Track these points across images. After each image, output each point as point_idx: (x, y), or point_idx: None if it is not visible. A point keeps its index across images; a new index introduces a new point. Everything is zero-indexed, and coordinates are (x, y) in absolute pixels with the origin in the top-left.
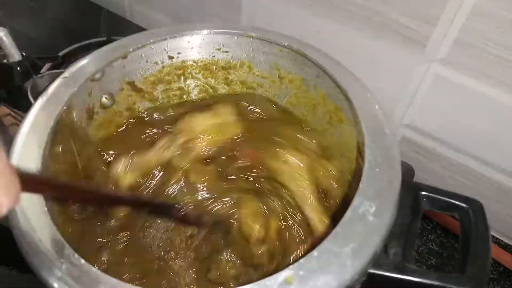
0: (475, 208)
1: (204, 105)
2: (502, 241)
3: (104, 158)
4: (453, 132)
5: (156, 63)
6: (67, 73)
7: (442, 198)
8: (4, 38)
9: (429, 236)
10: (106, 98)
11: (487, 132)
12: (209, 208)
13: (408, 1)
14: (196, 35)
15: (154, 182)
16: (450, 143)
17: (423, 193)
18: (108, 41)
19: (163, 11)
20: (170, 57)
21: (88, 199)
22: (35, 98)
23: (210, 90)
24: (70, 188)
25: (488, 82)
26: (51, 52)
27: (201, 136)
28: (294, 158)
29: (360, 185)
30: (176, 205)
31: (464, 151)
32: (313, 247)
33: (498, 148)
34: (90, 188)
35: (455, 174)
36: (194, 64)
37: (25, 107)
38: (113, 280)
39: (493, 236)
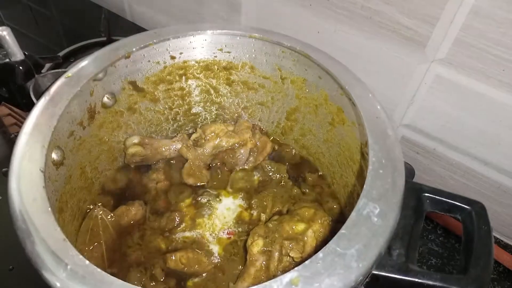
0: (478, 210)
1: None
2: (502, 241)
3: None
4: (453, 132)
5: (158, 63)
6: (70, 72)
7: (444, 199)
8: (7, 37)
9: (430, 236)
10: (108, 97)
11: (487, 132)
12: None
13: (408, 1)
14: (198, 36)
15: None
16: (450, 143)
17: (426, 194)
18: (108, 41)
19: (162, 11)
20: (172, 57)
21: None
22: (38, 98)
23: (211, 91)
24: None
25: (488, 82)
26: (51, 52)
27: (212, 135)
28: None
29: (364, 187)
30: None
31: (464, 151)
32: None
33: (498, 148)
34: None
35: (455, 174)
36: (196, 64)
37: (27, 106)
38: (119, 282)
39: (493, 237)
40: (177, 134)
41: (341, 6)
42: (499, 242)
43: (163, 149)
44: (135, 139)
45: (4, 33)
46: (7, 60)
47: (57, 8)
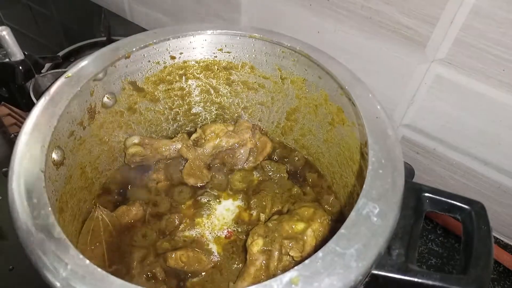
0: (477, 210)
1: None
2: (502, 241)
3: None
4: (453, 132)
5: (158, 63)
6: (70, 72)
7: (444, 199)
8: (7, 37)
9: (430, 236)
10: (108, 98)
11: (487, 132)
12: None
13: (408, 1)
14: (198, 36)
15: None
16: (450, 143)
17: (426, 194)
18: (108, 41)
19: (162, 11)
20: (172, 57)
21: None
22: (37, 98)
23: (211, 91)
24: None
25: (488, 82)
26: (51, 52)
27: (212, 135)
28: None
29: (364, 187)
30: None
31: (464, 151)
32: None
33: (498, 148)
34: None
35: (455, 174)
36: (195, 64)
37: (27, 107)
38: (119, 281)
39: (493, 236)
40: (177, 134)
41: (341, 6)
42: (499, 242)
43: (163, 149)
44: (135, 139)
45: (4, 33)
46: (7, 60)
47: (57, 8)
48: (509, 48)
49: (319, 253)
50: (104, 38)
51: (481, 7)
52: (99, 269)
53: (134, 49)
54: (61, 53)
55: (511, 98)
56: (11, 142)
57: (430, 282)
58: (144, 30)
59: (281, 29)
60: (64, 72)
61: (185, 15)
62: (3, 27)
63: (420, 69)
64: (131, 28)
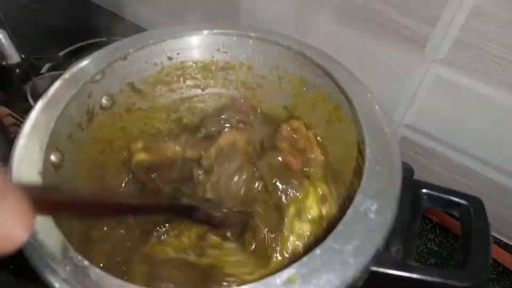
0: (475, 205)
1: None
2: (502, 241)
3: None
4: (453, 132)
5: (155, 64)
6: (67, 74)
7: (442, 195)
8: (3, 40)
9: (429, 235)
10: (106, 99)
11: (487, 132)
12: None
13: (408, 1)
14: (195, 36)
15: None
16: (450, 143)
17: (424, 190)
18: (108, 41)
19: (162, 11)
20: (169, 58)
21: (104, 211)
22: (35, 100)
23: None
24: (82, 203)
25: (488, 82)
26: (51, 52)
27: None
28: None
29: (361, 184)
30: (200, 208)
31: (464, 151)
32: None
33: (498, 148)
34: (104, 199)
35: (455, 174)
36: (193, 64)
37: (25, 109)
38: (118, 281)
39: (493, 236)
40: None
41: (341, 6)
42: (499, 242)
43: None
44: (139, 144)
45: (0, 36)
46: (4, 63)
47: (57, 8)
48: (509, 48)
49: (317, 250)
50: (104, 39)
51: (481, 7)
52: (97, 269)
53: (131, 50)
54: (61, 53)
55: (511, 98)
56: (11, 142)
57: (429, 278)
58: (144, 30)
59: (281, 29)
60: (62, 74)
61: (185, 15)
62: None
63: (419, 70)
64: (131, 28)
